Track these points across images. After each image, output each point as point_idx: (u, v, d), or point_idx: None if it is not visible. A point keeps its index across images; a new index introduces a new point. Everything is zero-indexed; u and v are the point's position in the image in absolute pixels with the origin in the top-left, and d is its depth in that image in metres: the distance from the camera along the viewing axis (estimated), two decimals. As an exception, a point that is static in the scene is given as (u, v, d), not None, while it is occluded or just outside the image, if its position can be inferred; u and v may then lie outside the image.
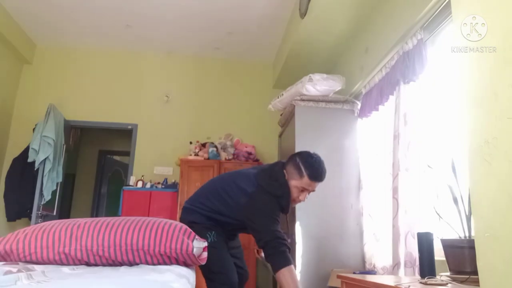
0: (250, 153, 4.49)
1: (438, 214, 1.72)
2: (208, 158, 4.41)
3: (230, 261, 2.06)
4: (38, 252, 1.46)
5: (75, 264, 1.47)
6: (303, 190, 1.95)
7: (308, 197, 2.02)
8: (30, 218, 4.10)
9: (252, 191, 1.95)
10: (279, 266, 1.74)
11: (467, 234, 1.55)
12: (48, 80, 4.86)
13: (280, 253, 1.77)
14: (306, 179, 1.92)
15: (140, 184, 4.39)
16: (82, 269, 1.38)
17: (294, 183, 1.94)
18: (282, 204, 1.95)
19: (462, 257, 1.51)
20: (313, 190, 2.00)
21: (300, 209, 2.96)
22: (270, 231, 1.81)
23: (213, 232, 2.00)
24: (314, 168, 1.94)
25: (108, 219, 1.58)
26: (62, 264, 1.46)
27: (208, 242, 1.85)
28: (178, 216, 4.05)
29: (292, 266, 1.76)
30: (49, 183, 4.12)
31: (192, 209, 2.09)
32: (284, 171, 2.00)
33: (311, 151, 2.09)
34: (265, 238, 1.81)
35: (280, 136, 3.94)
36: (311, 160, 1.98)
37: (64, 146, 4.51)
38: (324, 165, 1.99)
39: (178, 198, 4.19)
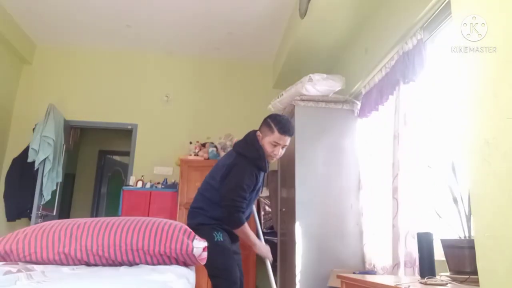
0: (250, 153, 4.49)
1: (438, 214, 1.72)
2: (208, 158, 4.40)
3: (233, 259, 2.18)
4: (38, 252, 1.46)
5: (75, 264, 1.47)
6: (275, 145, 2.24)
7: (282, 152, 2.31)
8: (30, 218, 4.10)
9: (231, 161, 2.22)
10: (235, 227, 2.14)
11: (467, 234, 1.56)
12: (48, 80, 4.85)
13: (234, 217, 2.12)
14: (276, 133, 2.22)
15: (140, 184, 4.38)
16: (82, 269, 1.38)
17: (267, 139, 2.24)
18: (260, 165, 2.23)
19: (462, 257, 1.51)
20: (285, 145, 2.29)
21: (300, 208, 2.96)
22: (229, 199, 2.11)
23: (219, 232, 2.13)
24: (282, 124, 2.25)
25: (108, 219, 1.58)
26: (62, 264, 1.46)
27: (214, 240, 2.01)
28: (178, 216, 4.05)
29: (246, 224, 2.16)
30: (49, 183, 4.12)
31: (196, 212, 2.22)
32: (257, 133, 2.30)
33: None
34: (224, 202, 2.12)
35: (280, 136, 3.94)
36: (279, 118, 2.31)
37: (64, 146, 4.50)
38: (291, 123, 2.31)
39: (178, 198, 4.18)
